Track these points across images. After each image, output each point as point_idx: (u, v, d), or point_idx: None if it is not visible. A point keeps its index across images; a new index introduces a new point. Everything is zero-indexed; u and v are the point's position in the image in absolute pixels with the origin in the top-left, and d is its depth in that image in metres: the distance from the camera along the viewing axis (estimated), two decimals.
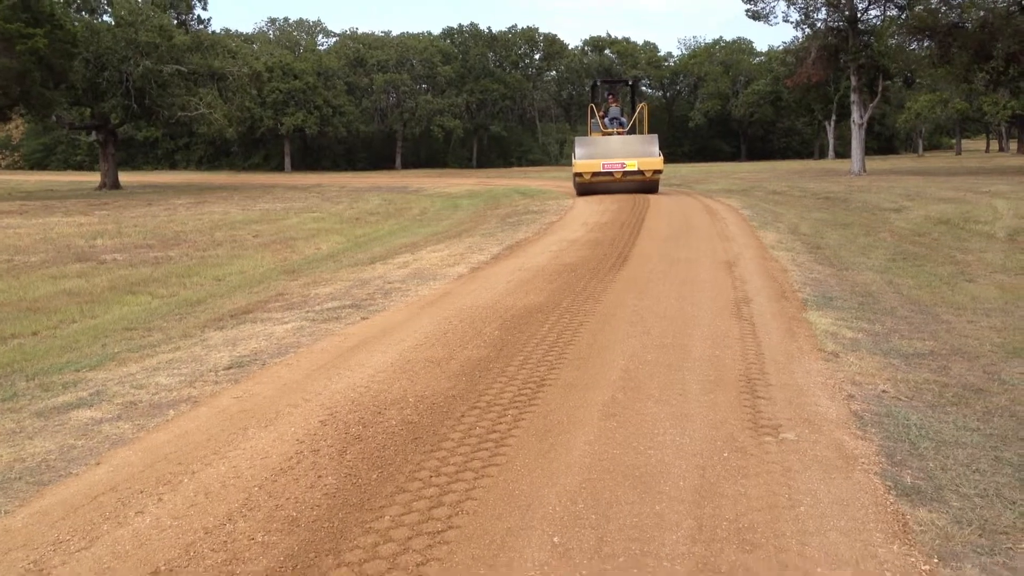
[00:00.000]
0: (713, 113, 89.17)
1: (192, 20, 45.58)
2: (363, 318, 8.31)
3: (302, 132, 79.12)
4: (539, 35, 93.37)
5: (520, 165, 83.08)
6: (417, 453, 4.48)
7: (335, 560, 3.37)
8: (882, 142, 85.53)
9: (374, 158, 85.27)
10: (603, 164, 24.36)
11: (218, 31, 61.49)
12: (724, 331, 7.25)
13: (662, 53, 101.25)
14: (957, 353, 6.77)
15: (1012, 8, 33.41)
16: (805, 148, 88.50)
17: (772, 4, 44.84)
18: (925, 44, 37.21)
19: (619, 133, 27.01)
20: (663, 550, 3.43)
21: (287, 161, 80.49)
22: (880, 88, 39.56)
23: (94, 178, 47.66)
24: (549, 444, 4.59)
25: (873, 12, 39.38)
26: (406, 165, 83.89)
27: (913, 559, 3.38)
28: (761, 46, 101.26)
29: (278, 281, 11.62)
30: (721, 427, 4.86)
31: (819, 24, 40.09)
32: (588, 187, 24.95)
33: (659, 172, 24.87)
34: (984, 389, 5.79)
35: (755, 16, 41.39)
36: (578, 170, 24.77)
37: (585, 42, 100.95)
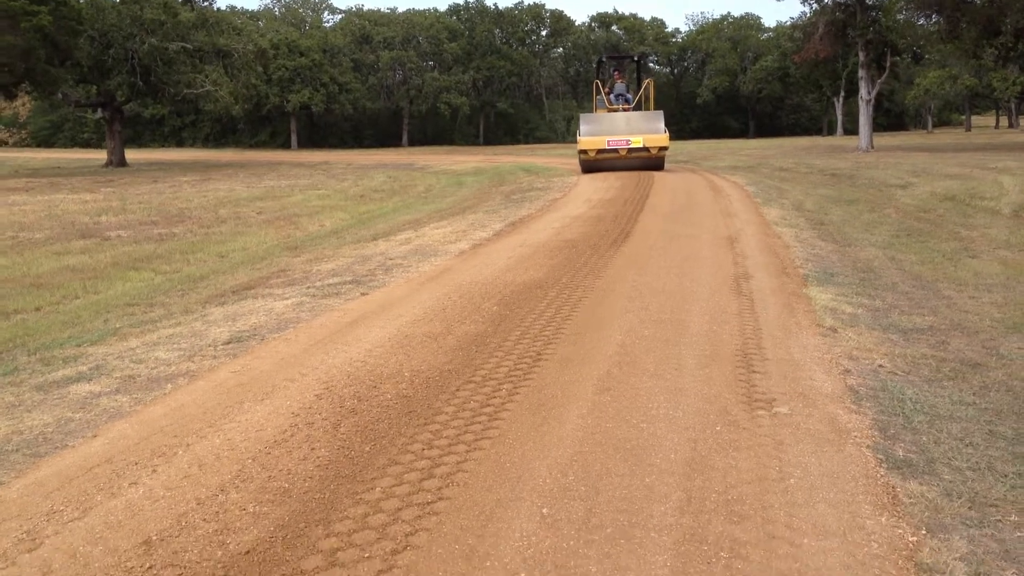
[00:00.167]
0: (721, 89, 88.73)
1: None
2: (363, 294, 8.33)
3: (308, 109, 78.96)
4: (545, 11, 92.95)
5: (527, 142, 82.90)
6: (411, 426, 4.50)
7: (325, 530, 3.39)
8: (891, 119, 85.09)
9: (381, 135, 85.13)
10: (608, 141, 24.22)
11: (223, 8, 61.35)
12: (723, 306, 7.25)
13: (669, 29, 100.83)
14: (957, 328, 6.76)
15: None
16: (814, 125, 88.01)
17: None
18: (933, 19, 36.93)
19: (625, 109, 26.85)
20: (651, 521, 3.45)
21: (293, 138, 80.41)
22: (888, 64, 39.29)
23: (101, 156, 47.68)
24: (542, 418, 4.61)
25: None
26: (413, 142, 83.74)
27: (900, 530, 3.39)
28: (769, 22, 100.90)
29: (281, 257, 11.64)
30: (715, 401, 4.87)
31: None
32: (593, 164, 24.83)
33: (665, 149, 24.71)
34: (982, 364, 5.78)
35: None
36: (583, 147, 24.63)
37: (592, 18, 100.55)
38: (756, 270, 8.94)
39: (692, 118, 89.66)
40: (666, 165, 25.90)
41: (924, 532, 3.39)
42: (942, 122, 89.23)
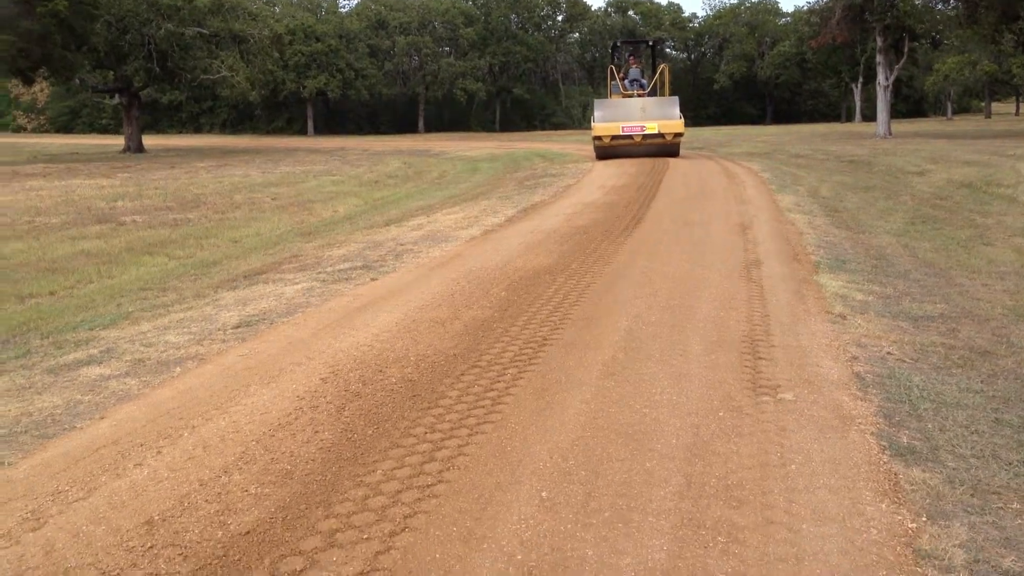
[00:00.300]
0: (738, 75, 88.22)
1: None
2: (372, 279, 8.35)
3: (324, 95, 78.97)
4: None
5: (543, 128, 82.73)
6: (414, 410, 4.52)
7: (325, 512, 3.41)
8: (911, 105, 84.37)
9: (397, 121, 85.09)
10: (622, 127, 24.09)
11: None
12: (732, 293, 7.23)
13: (686, 14, 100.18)
14: (967, 316, 6.73)
15: None
16: (832, 111, 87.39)
17: None
18: (951, 4, 36.57)
19: (639, 95, 26.67)
20: (650, 505, 3.45)
21: (310, 125, 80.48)
22: (906, 49, 38.94)
23: (119, 141, 47.82)
24: (546, 402, 4.62)
25: None
26: (429, 128, 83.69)
27: (900, 517, 3.38)
28: (787, 6, 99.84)
29: (293, 243, 11.68)
30: (719, 387, 4.86)
31: None
32: (607, 151, 24.70)
33: (680, 135, 24.56)
34: (991, 352, 5.76)
35: None
36: (597, 133, 24.50)
37: (608, 3, 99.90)
38: (767, 257, 8.90)
39: (709, 104, 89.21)
40: (681, 151, 25.73)
41: (924, 519, 3.39)
42: (962, 108, 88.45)
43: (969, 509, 3.49)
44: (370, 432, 4.23)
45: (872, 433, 4.22)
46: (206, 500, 3.54)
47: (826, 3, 41.22)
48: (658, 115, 24.33)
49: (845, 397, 4.73)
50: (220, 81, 44.37)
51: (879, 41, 38.74)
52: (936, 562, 3.08)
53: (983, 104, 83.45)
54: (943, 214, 12.75)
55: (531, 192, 17.13)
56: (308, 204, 16.98)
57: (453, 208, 14.84)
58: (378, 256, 9.77)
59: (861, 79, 68.43)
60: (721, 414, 4.44)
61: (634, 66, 28.69)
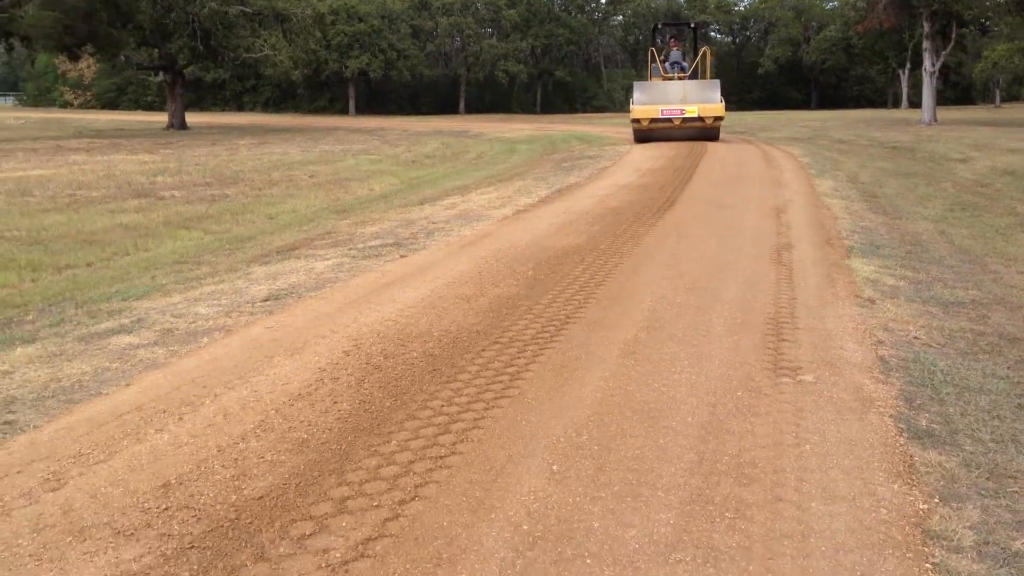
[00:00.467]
0: (784, 60, 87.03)
1: None
2: (402, 256, 8.40)
3: (366, 76, 79.14)
4: None
5: (584, 111, 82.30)
6: (433, 384, 4.56)
7: (337, 480, 3.46)
8: (959, 92, 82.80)
9: (438, 102, 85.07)
10: (662, 110, 23.86)
11: None
12: (760, 276, 7.20)
13: None
14: (1000, 303, 6.65)
15: None
16: (879, 97, 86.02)
17: None
18: None
19: (680, 78, 26.39)
20: (660, 481, 3.47)
21: (352, 104, 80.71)
22: (954, 36, 38.22)
23: (163, 118, 48.29)
24: (564, 379, 4.64)
25: None
26: (470, 110, 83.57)
27: (912, 498, 3.37)
28: None
29: (328, 220, 11.76)
30: (739, 367, 4.85)
31: None
32: (646, 134, 24.47)
33: (720, 119, 24.26)
34: (1021, 339, 5.69)
35: None
36: (636, 116, 24.25)
37: None
38: (800, 241, 8.84)
39: (753, 88, 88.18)
40: (722, 135, 25.45)
41: (937, 500, 3.37)
42: (1011, 96, 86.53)
43: (983, 492, 3.46)
44: (388, 404, 4.28)
45: (891, 416, 4.20)
46: (223, 465, 3.61)
47: None
48: (698, 98, 24.06)
49: (867, 380, 4.70)
50: (263, 60, 44.63)
51: (926, 27, 38.04)
52: (944, 543, 3.07)
53: None
54: (983, 201, 12.56)
55: (566, 174, 17.10)
56: (344, 182, 17.08)
57: (488, 188, 14.86)
58: (409, 234, 9.82)
59: (908, 65, 67.23)
60: (739, 394, 4.44)
61: (675, 48, 28.38)
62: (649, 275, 7.19)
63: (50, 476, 3.55)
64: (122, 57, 43.37)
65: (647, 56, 28.45)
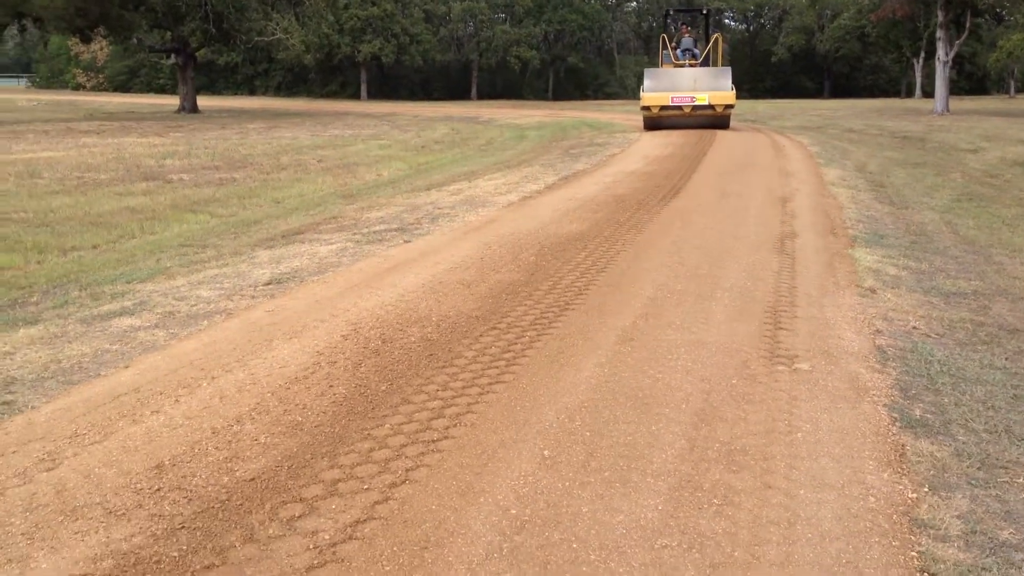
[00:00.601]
0: (797, 48, 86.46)
1: None
2: (406, 241, 8.42)
3: (378, 60, 78.97)
4: None
5: (596, 98, 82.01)
6: (429, 368, 4.59)
7: (329, 463, 3.49)
8: (973, 82, 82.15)
9: (450, 88, 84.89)
10: (672, 97, 23.74)
11: None
12: (762, 264, 7.19)
13: None
14: (1002, 294, 6.64)
15: None
16: (892, 86, 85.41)
17: None
18: None
19: (691, 65, 26.25)
20: (650, 467, 3.48)
21: (363, 89, 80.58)
22: (968, 24, 37.92)
23: (175, 101, 48.29)
24: (560, 365, 4.65)
25: None
26: (482, 96, 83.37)
27: (902, 487, 3.38)
28: None
29: (335, 205, 11.78)
30: (736, 355, 4.86)
31: None
32: (656, 121, 24.36)
33: (731, 107, 24.13)
34: (1020, 330, 5.69)
35: None
36: (645, 103, 24.13)
37: None
38: (804, 230, 8.82)
39: (766, 77, 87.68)
40: (733, 124, 25.34)
41: (926, 489, 3.38)
42: None
43: (974, 482, 3.47)
44: (383, 388, 4.31)
45: (885, 405, 4.20)
46: (216, 447, 3.64)
47: None
48: (709, 86, 23.94)
49: (863, 369, 4.70)
50: (275, 43, 44.61)
51: (940, 16, 37.71)
52: (932, 531, 3.08)
53: None
54: (992, 192, 12.50)
55: (574, 160, 17.08)
56: (353, 167, 17.09)
57: (495, 174, 14.85)
58: (414, 219, 9.84)
59: (923, 54, 66.76)
60: (734, 381, 4.45)
61: (687, 35, 28.23)
62: (651, 262, 7.20)
63: (45, 456, 3.59)
64: (134, 39, 43.37)
65: (659, 43, 28.30)
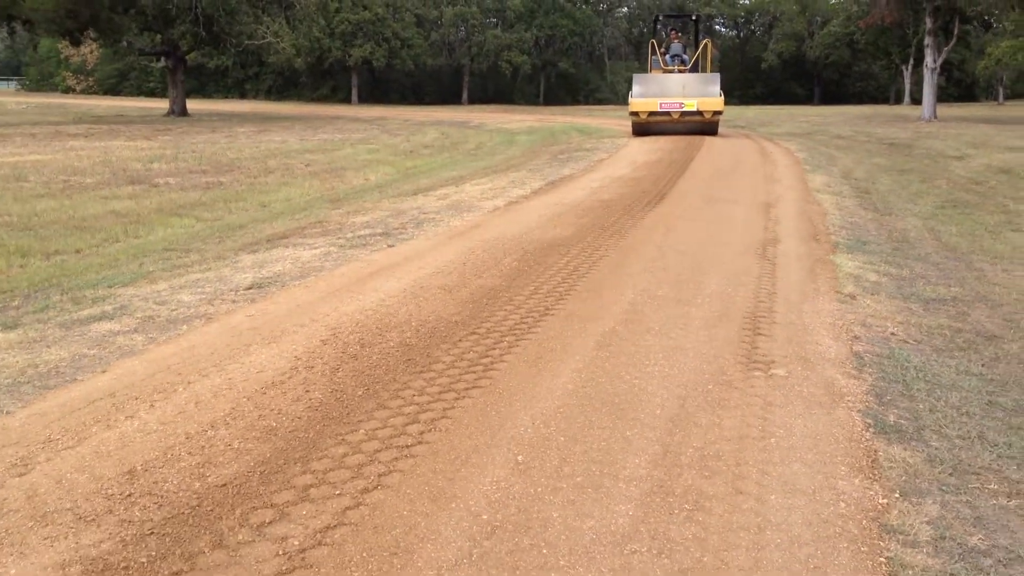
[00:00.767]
0: (787, 54, 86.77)
1: None
2: (389, 246, 8.42)
3: (370, 64, 78.96)
4: None
5: (587, 103, 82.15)
6: (406, 373, 4.59)
7: (302, 468, 3.49)
8: (962, 89, 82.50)
9: (442, 92, 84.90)
10: (660, 103, 23.77)
11: None
12: (743, 270, 7.22)
13: None
14: (981, 300, 6.67)
15: None
16: (881, 93, 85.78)
17: None
18: None
19: (680, 71, 26.31)
20: (623, 472, 3.49)
21: (354, 93, 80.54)
22: (956, 31, 38.10)
23: (164, 105, 48.16)
24: (537, 370, 4.66)
25: None
26: (473, 100, 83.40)
27: (872, 492, 3.40)
28: None
29: (321, 209, 11.77)
30: (713, 361, 4.88)
31: None
32: (644, 127, 24.37)
33: (719, 113, 24.18)
34: (998, 336, 5.71)
35: None
36: (634, 109, 24.13)
37: None
38: (787, 236, 8.85)
39: (756, 83, 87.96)
40: (722, 130, 25.38)
41: (897, 495, 3.40)
42: (1015, 94, 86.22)
43: (945, 488, 3.49)
44: (360, 393, 4.31)
45: (859, 411, 4.22)
46: (189, 453, 3.64)
47: None
48: (697, 92, 23.98)
49: (839, 375, 4.72)
50: (265, 47, 44.60)
51: (928, 22, 37.88)
52: (901, 537, 3.09)
53: None
54: (976, 199, 12.56)
55: (562, 165, 17.10)
56: (341, 171, 17.09)
57: (482, 179, 14.86)
58: (399, 224, 9.84)
59: (912, 61, 67.04)
60: (710, 387, 4.46)
61: (676, 41, 28.24)
62: (633, 268, 7.22)
63: (17, 461, 3.58)
64: (124, 42, 43.28)
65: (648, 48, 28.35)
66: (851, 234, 9.18)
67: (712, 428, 3.93)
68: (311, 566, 2.83)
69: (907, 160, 18.78)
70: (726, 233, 8.90)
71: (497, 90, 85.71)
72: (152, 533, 3.01)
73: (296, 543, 2.95)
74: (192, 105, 48.09)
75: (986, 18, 41.46)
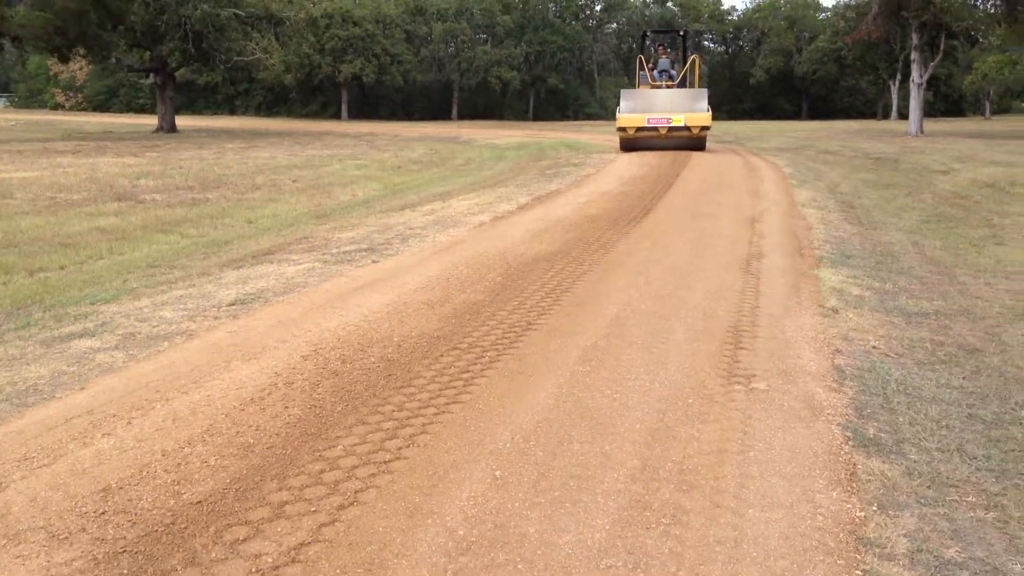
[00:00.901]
0: (775, 70, 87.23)
1: None
2: (374, 261, 8.41)
3: (360, 80, 79.07)
4: None
5: (576, 119, 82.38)
6: (387, 389, 4.58)
7: (279, 484, 3.48)
8: (949, 104, 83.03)
9: (431, 108, 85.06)
10: (648, 119, 23.81)
11: None
12: (727, 284, 7.23)
13: (726, 7, 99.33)
14: (963, 314, 6.68)
15: None
16: (869, 108, 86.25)
17: None
18: (991, 2, 35.93)
19: (668, 86, 26.40)
20: (600, 487, 3.49)
21: (344, 109, 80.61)
22: (942, 47, 38.34)
23: (153, 121, 48.11)
24: (518, 385, 4.65)
25: None
26: (463, 116, 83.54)
27: (850, 506, 3.40)
28: (828, 1, 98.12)
29: (307, 225, 11.76)
30: (694, 375, 4.88)
31: None
32: (632, 142, 24.38)
33: (706, 128, 24.20)
34: (980, 349, 5.72)
35: None
36: (621, 124, 24.15)
37: None
38: (771, 250, 8.88)
39: (744, 99, 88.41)
40: (709, 145, 25.41)
41: (875, 508, 3.40)
42: (1002, 109, 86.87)
43: (923, 501, 3.49)
44: (339, 408, 4.29)
45: (839, 424, 4.23)
46: (165, 470, 3.61)
47: None
48: (685, 107, 24.03)
49: (819, 388, 4.73)
50: (255, 63, 44.57)
51: (915, 38, 38.11)
52: (877, 550, 3.09)
53: None
54: (960, 213, 12.62)
55: (549, 181, 17.13)
56: (328, 187, 17.07)
57: (470, 195, 14.87)
58: (385, 240, 9.83)
59: (899, 76, 67.45)
60: (690, 401, 4.46)
61: (664, 56, 28.35)
62: (617, 282, 7.22)
63: None
64: (113, 59, 43.25)
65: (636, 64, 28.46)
66: (835, 248, 9.20)
67: (691, 442, 3.93)
68: None
69: (893, 174, 18.86)
70: (711, 247, 8.92)
71: (487, 106, 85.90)
72: (125, 551, 2.99)
73: (270, 560, 2.94)
74: (181, 121, 48.07)
75: (972, 33, 41.70)
